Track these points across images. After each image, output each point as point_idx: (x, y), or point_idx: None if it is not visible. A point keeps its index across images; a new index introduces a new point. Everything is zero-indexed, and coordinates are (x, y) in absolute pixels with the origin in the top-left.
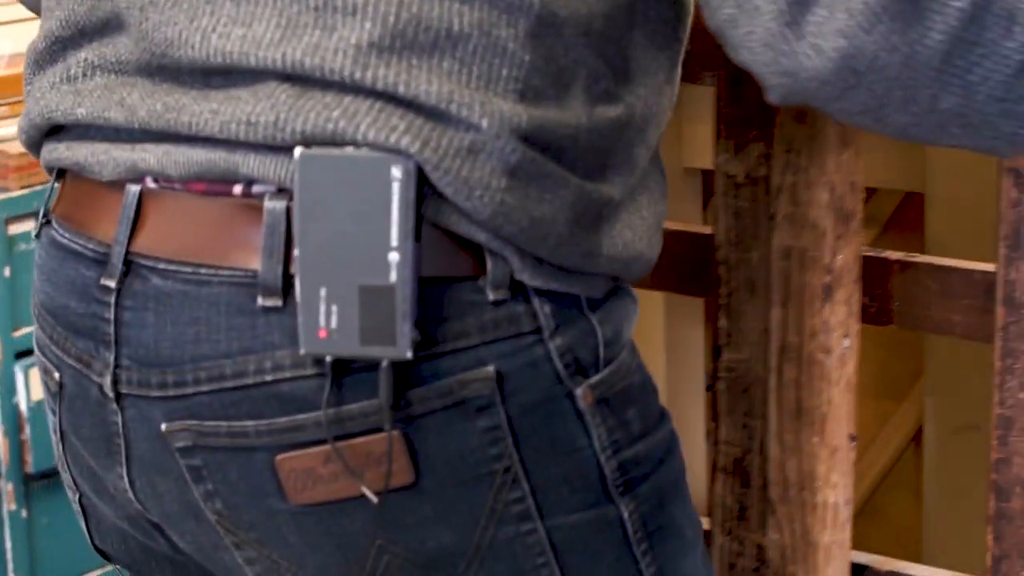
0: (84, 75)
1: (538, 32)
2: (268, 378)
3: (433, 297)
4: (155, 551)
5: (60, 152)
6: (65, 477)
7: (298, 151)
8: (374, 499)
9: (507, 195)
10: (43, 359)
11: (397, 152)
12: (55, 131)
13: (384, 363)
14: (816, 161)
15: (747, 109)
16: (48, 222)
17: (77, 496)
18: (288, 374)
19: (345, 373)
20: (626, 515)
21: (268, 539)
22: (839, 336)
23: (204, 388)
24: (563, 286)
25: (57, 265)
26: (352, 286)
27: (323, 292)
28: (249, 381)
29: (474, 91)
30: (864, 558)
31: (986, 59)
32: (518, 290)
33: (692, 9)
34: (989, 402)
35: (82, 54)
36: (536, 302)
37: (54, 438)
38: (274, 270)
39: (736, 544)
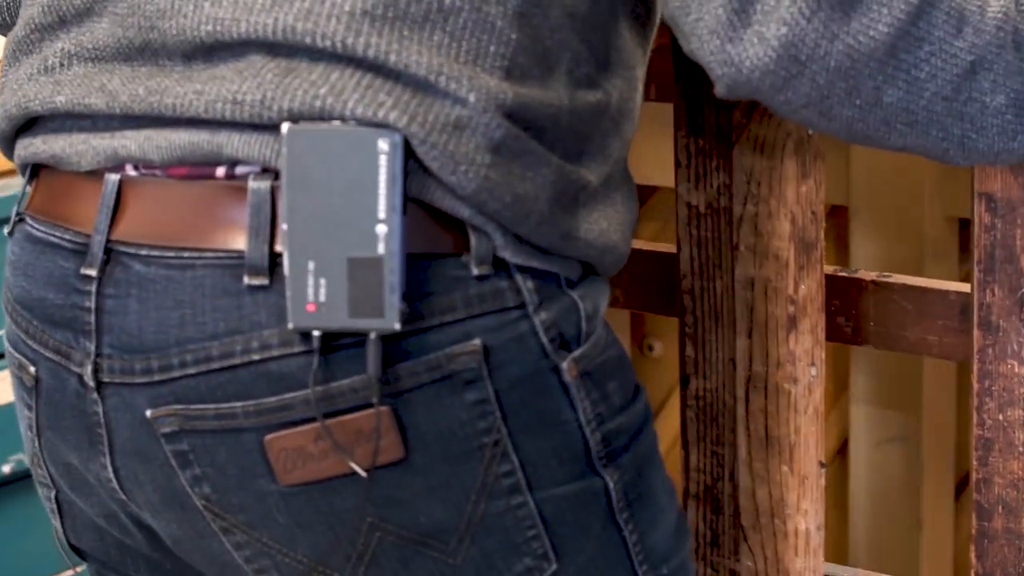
0: (62, 65)
1: (526, 11)
2: (255, 357)
3: (418, 272)
4: (131, 548)
5: (36, 147)
6: (40, 474)
7: (285, 126)
8: (364, 475)
9: (491, 171)
10: (16, 355)
11: (384, 126)
12: (29, 125)
13: (372, 335)
14: (776, 192)
15: (707, 139)
16: (21, 219)
17: (53, 493)
18: (276, 352)
19: (333, 350)
20: (611, 485)
21: (258, 522)
22: (805, 365)
23: (191, 371)
24: (542, 264)
25: (33, 259)
26: (340, 259)
27: (311, 266)
28: (236, 361)
29: (462, 65)
30: (838, 570)
31: (934, 56)
32: (501, 266)
33: (658, 17)
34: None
35: (59, 44)
36: (519, 278)
37: (29, 434)
38: (260, 249)
39: (710, 570)
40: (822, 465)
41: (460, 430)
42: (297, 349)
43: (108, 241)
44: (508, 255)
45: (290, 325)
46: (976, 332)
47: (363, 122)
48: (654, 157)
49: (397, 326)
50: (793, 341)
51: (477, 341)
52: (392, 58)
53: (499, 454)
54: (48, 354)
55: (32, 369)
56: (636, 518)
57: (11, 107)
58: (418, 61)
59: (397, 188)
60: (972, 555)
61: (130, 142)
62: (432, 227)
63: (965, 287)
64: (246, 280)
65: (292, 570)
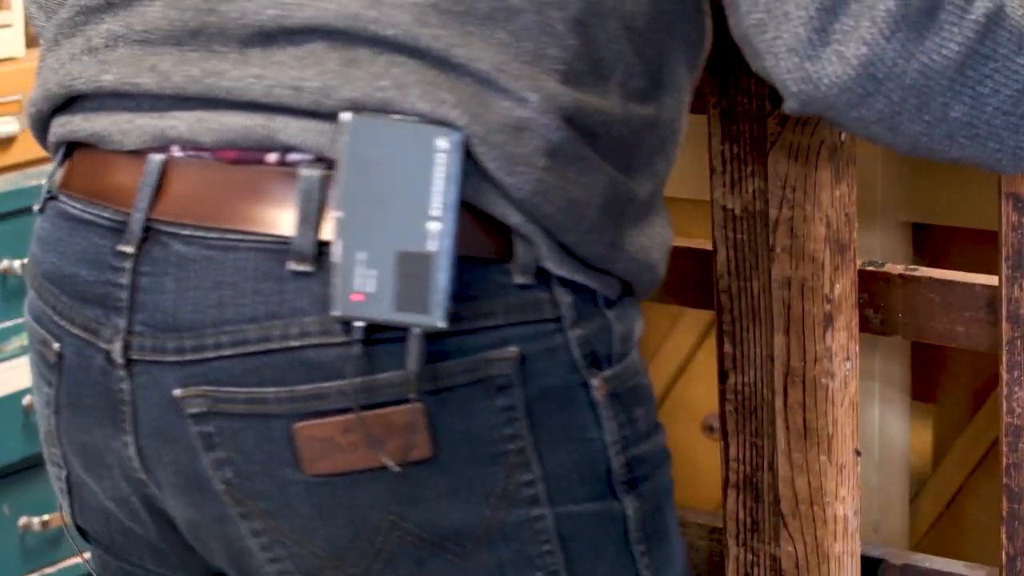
0: (107, 46)
1: (585, 19)
2: (293, 344)
3: (462, 275)
4: (137, 535)
5: (75, 124)
6: (52, 453)
7: (347, 115)
8: (396, 469)
9: (547, 174)
10: (40, 330)
11: (445, 124)
12: (65, 105)
13: (416, 331)
14: (811, 196)
15: (741, 146)
16: (52, 197)
17: (64, 473)
18: (314, 340)
19: (373, 342)
20: (629, 512)
21: (278, 510)
22: (841, 360)
23: (225, 352)
24: (583, 279)
25: (65, 235)
26: (391, 252)
27: (361, 256)
28: (274, 346)
29: (523, 65)
30: (880, 551)
31: (997, 72)
32: (542, 277)
33: (709, 44)
34: None
35: (105, 25)
36: (558, 291)
37: (46, 411)
38: (308, 236)
39: (751, 555)
40: (858, 453)
41: (487, 434)
42: (336, 339)
43: (148, 219)
44: (551, 266)
45: (336, 313)
46: (1005, 325)
47: (425, 118)
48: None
49: (442, 324)
50: (829, 337)
51: (515, 348)
52: (457, 52)
53: (522, 462)
54: (75, 330)
55: (56, 345)
56: (652, 553)
57: (52, 86)
58: (482, 57)
59: (453, 187)
60: (1003, 536)
61: (180, 123)
62: (480, 232)
63: (992, 280)
64: (291, 266)
65: (306, 562)
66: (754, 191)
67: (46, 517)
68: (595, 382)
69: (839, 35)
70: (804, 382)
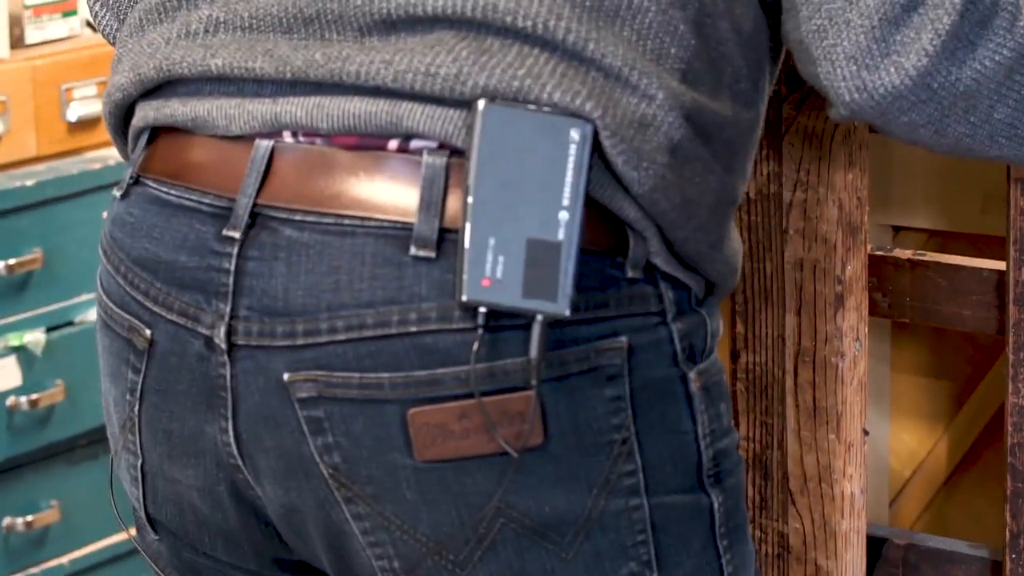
0: (207, 31)
1: (700, 20)
2: (412, 329)
3: (581, 266)
4: (213, 524)
5: (172, 108)
6: (129, 440)
7: (482, 102)
8: (515, 455)
9: (667, 171)
10: (127, 316)
11: (579, 116)
12: (155, 90)
13: (540, 318)
14: (824, 179)
15: None
16: (137, 181)
17: (138, 462)
18: (433, 326)
19: (495, 329)
20: (716, 505)
21: (384, 495)
22: (851, 340)
23: (340, 337)
24: (683, 276)
25: (162, 221)
26: (521, 239)
27: (491, 242)
28: (392, 331)
29: (649, 62)
30: (884, 531)
31: None
32: (649, 272)
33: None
34: None
35: (204, 11)
36: (663, 287)
37: (128, 399)
38: (431, 223)
39: (759, 532)
40: (866, 432)
41: (595, 423)
42: (456, 325)
43: (255, 204)
44: (659, 262)
45: (464, 298)
46: (1012, 308)
47: (559, 108)
48: None
49: (567, 312)
50: (840, 318)
51: (624, 338)
52: (591, 46)
53: (625, 452)
54: (171, 316)
55: (148, 332)
56: (733, 549)
57: (147, 70)
58: (614, 52)
59: (582, 178)
60: (1007, 514)
61: (296, 108)
62: (598, 225)
63: (999, 264)
64: (413, 251)
65: (409, 548)
66: (768, 174)
67: (30, 518)
68: (692, 375)
69: (899, 46)
70: (814, 362)
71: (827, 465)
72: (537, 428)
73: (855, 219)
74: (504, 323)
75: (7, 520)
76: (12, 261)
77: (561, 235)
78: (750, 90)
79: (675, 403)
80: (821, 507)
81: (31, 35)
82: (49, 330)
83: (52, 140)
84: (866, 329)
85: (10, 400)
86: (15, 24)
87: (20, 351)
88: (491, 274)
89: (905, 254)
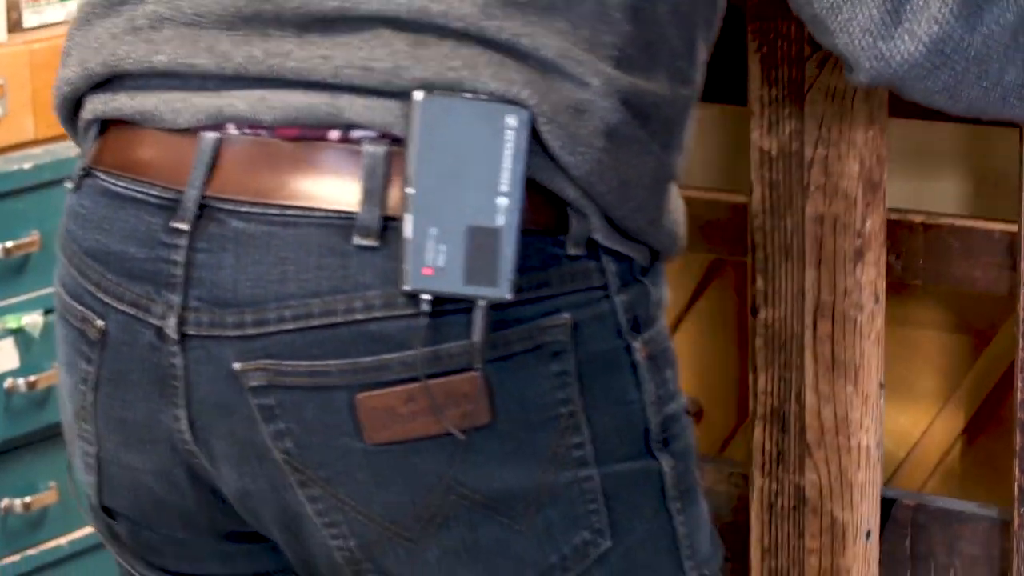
0: (152, 27)
1: (638, 4)
2: (358, 317)
3: (522, 247)
4: (172, 506)
5: (119, 102)
6: (84, 429)
7: (419, 93)
8: (461, 437)
9: (604, 154)
10: (80, 307)
11: (515, 103)
12: (103, 84)
13: (482, 303)
14: (846, 136)
15: (779, 90)
16: (88, 174)
17: (94, 450)
18: (379, 314)
19: (438, 314)
20: (666, 469)
21: (337, 477)
22: (869, 294)
23: (288, 327)
24: (625, 249)
25: (111, 213)
26: (460, 226)
27: (432, 231)
28: (337, 320)
29: (583, 51)
30: (893, 492)
31: None
32: (591, 248)
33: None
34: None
35: (149, 6)
36: (605, 260)
37: (81, 388)
38: (373, 212)
39: (775, 485)
40: (882, 386)
41: (542, 399)
42: (400, 312)
43: (203, 196)
44: (600, 238)
45: (407, 287)
46: (1023, 264)
47: (495, 97)
48: None
49: (509, 296)
50: (859, 272)
51: (567, 315)
52: (524, 41)
53: (573, 425)
54: (122, 307)
55: (100, 323)
56: (686, 512)
57: (94, 65)
58: (547, 44)
59: (520, 164)
60: (1015, 469)
61: (239, 101)
62: (538, 206)
63: (1011, 227)
64: (356, 240)
65: (363, 527)
66: (791, 132)
67: (28, 499)
68: (637, 345)
69: (910, 14)
70: (833, 315)
71: (844, 417)
72: (484, 408)
73: (875, 175)
74: (448, 307)
75: (5, 502)
76: (10, 244)
77: (500, 221)
78: (687, 67)
79: (621, 374)
80: (838, 459)
81: (28, 19)
82: (47, 312)
83: (50, 123)
84: (884, 286)
85: (8, 382)
86: (12, 8)
87: (18, 333)
88: (433, 263)
89: (919, 216)
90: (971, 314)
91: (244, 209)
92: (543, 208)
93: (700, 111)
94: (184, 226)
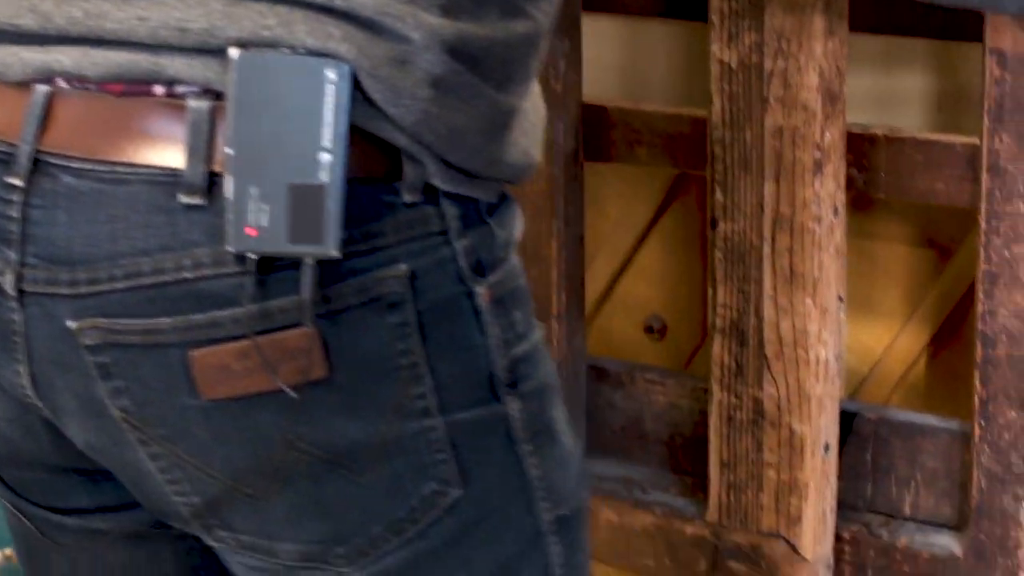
0: None
1: None
2: (187, 275)
3: (352, 197)
4: (27, 449)
5: None
6: None
7: (235, 51)
8: (292, 394)
9: (430, 104)
10: None
11: (334, 58)
12: None
13: (309, 260)
14: (805, 48)
15: (739, 1)
16: None
17: None
18: (208, 272)
19: (267, 271)
20: (514, 413)
21: (176, 435)
22: (828, 207)
23: (119, 286)
24: (467, 190)
25: None
26: (282, 185)
27: (253, 191)
28: (167, 279)
29: (404, 5)
30: (854, 405)
31: None
32: (429, 193)
33: None
34: None
35: None
36: (444, 205)
37: None
38: (198, 169)
39: (734, 398)
40: (840, 299)
41: (381, 351)
42: (230, 269)
43: (36, 151)
44: (438, 182)
45: (230, 248)
46: (985, 176)
47: (312, 53)
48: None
49: (335, 253)
50: (818, 184)
51: (404, 266)
52: (338, 2)
53: (415, 376)
54: None
55: None
56: (540, 453)
57: None
58: (363, 4)
59: (343, 118)
60: (976, 382)
61: (64, 57)
62: (368, 153)
63: (972, 140)
64: (182, 199)
65: (206, 484)
66: (750, 44)
67: None
68: (480, 289)
69: None
70: (792, 227)
71: (803, 330)
72: (319, 362)
73: (834, 87)
74: (278, 264)
75: None
76: None
77: (324, 177)
78: (522, 2)
79: (463, 320)
80: (796, 372)
81: None
82: None
83: None
84: (843, 197)
85: None
86: None
87: None
88: (255, 223)
89: (881, 129)
90: (935, 230)
91: (75, 165)
92: (374, 156)
93: (661, 27)
94: (18, 182)
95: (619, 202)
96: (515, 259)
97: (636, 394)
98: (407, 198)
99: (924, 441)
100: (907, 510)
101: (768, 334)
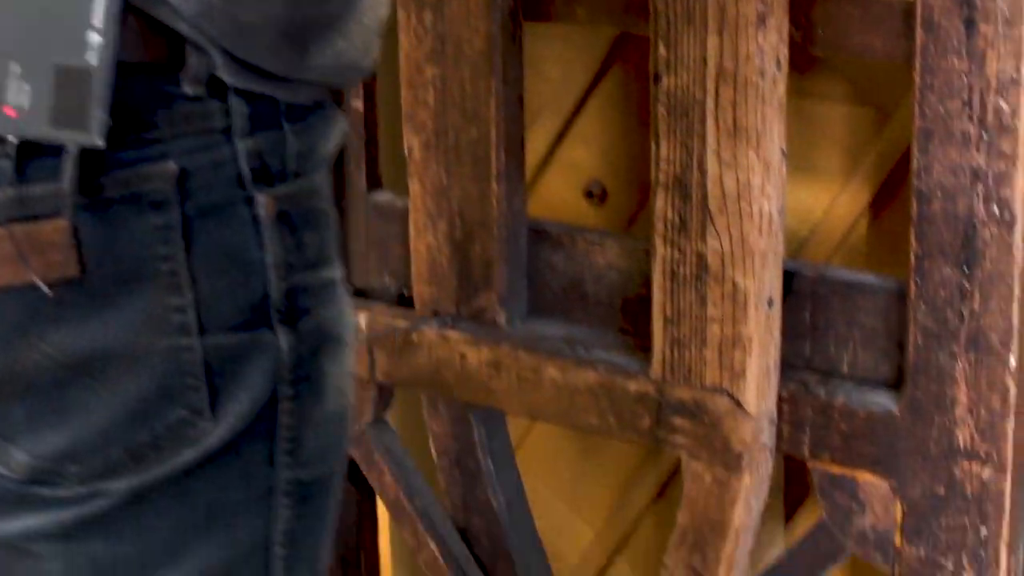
0: None
1: None
2: None
3: (126, 84)
4: None
5: None
6: None
7: None
8: (46, 288)
9: None
10: None
11: None
12: None
13: (72, 147)
14: None
15: None
16: None
17: None
18: None
19: (27, 155)
20: (283, 347)
21: None
22: (771, 60)
23: None
24: (264, 89)
25: None
26: (47, 65)
27: (15, 69)
28: None
29: None
30: (793, 264)
31: None
32: (217, 87)
33: None
34: None
35: None
36: (233, 101)
37: None
38: None
39: (677, 253)
40: (783, 153)
41: (138, 254)
42: None
43: None
44: (227, 76)
45: None
46: (919, 31)
47: None
48: None
49: (99, 141)
50: (761, 37)
51: (172, 164)
52: None
53: (174, 285)
54: None
55: None
56: (298, 402)
57: None
58: None
59: None
60: (912, 239)
61: None
62: (147, 38)
63: None
64: None
65: None
66: None
67: None
68: (261, 198)
69: None
70: (735, 81)
71: (746, 183)
72: (72, 259)
73: None
74: (40, 148)
75: None
76: None
77: (92, 59)
78: None
79: (239, 230)
80: (740, 225)
81: None
82: None
83: None
84: (786, 51)
85: None
86: None
87: None
88: (16, 103)
89: None
90: (875, 90)
91: None
92: (154, 42)
93: None
94: None
95: (559, 64)
96: (319, 177)
97: (577, 256)
98: (189, 90)
99: (862, 299)
100: (845, 368)
101: (711, 188)
